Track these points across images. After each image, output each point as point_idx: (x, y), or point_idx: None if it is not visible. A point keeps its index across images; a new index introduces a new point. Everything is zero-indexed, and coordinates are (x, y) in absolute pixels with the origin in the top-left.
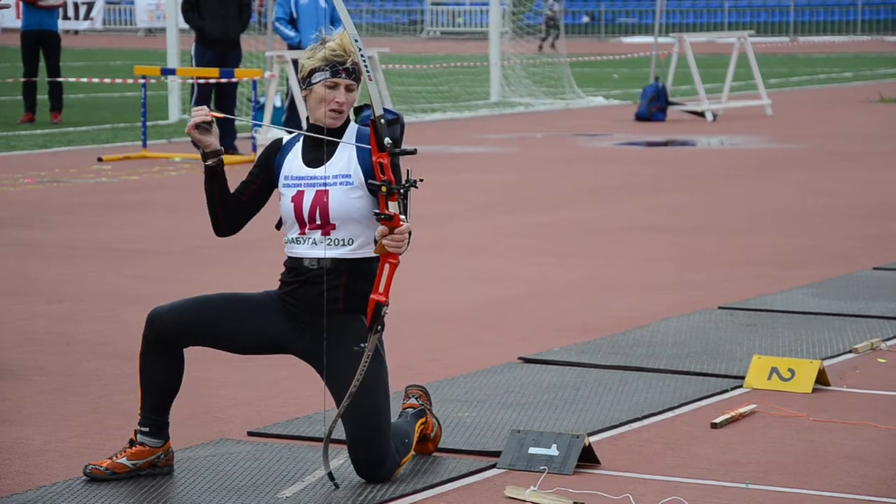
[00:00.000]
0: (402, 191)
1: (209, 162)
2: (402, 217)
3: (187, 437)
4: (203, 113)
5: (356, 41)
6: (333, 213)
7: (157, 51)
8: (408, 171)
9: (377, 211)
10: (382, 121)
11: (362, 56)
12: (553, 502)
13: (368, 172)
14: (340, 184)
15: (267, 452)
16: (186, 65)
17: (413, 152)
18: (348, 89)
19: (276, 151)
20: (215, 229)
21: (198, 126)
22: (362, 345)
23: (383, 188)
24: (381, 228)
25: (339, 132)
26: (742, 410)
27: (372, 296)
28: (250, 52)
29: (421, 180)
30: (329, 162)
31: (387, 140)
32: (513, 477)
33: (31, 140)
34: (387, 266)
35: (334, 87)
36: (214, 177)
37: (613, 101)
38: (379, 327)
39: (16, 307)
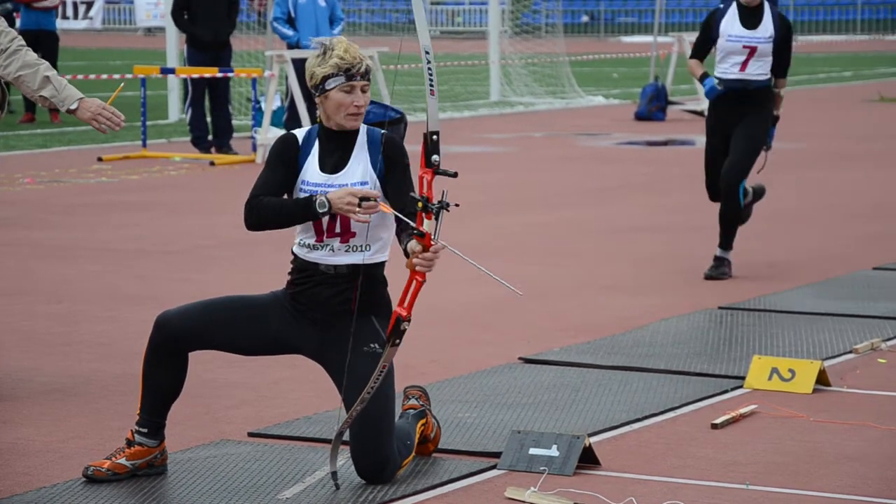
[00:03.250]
0: (435, 210)
1: (322, 212)
2: (434, 238)
3: (187, 437)
4: (372, 202)
5: (427, 53)
6: (355, 223)
7: (157, 50)
8: (443, 192)
9: (413, 225)
10: (434, 137)
11: (430, 69)
12: (553, 503)
13: (382, 176)
14: None
15: (267, 453)
16: (185, 65)
17: (454, 175)
18: (363, 90)
19: (295, 149)
20: (250, 228)
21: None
22: (373, 345)
23: (419, 203)
24: (413, 243)
25: (352, 134)
26: (742, 411)
27: (395, 308)
28: (250, 51)
29: (457, 205)
30: (346, 169)
31: (434, 157)
32: (513, 478)
33: (31, 140)
34: (414, 282)
35: (351, 90)
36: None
37: (613, 100)
38: (397, 341)
39: (16, 307)
